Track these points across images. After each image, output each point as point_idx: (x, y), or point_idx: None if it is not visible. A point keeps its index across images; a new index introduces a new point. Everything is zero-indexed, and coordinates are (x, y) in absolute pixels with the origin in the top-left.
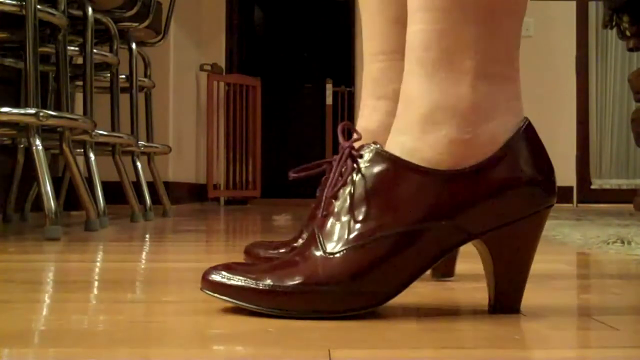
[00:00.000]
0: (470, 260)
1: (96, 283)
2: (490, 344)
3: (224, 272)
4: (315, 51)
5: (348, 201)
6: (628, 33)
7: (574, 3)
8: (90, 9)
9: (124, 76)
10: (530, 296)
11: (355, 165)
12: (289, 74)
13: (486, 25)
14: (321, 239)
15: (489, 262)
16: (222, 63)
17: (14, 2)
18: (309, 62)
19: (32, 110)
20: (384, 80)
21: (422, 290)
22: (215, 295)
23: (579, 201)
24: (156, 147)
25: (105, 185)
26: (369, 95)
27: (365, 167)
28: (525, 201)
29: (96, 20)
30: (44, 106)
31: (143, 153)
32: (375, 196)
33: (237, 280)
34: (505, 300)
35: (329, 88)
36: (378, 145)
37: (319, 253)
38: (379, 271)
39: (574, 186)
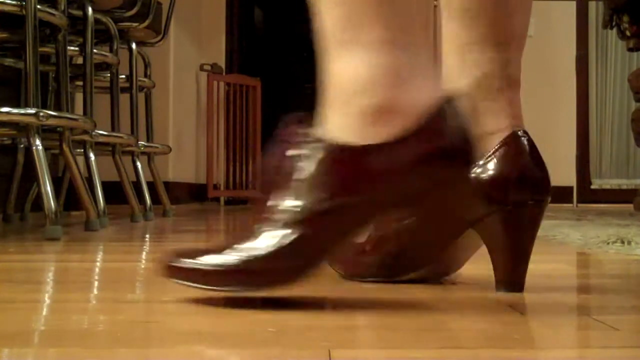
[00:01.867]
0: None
1: (96, 283)
2: (490, 344)
3: (175, 257)
4: (315, 51)
5: (278, 185)
6: (628, 33)
7: (574, 3)
8: (90, 9)
9: (124, 76)
10: (530, 296)
11: (280, 150)
12: (289, 74)
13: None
14: (259, 221)
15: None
16: (222, 63)
17: (14, 2)
18: (309, 62)
19: (32, 110)
20: (453, 76)
21: (422, 290)
22: (173, 279)
23: (579, 201)
24: (156, 147)
25: (105, 185)
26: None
27: (291, 150)
28: (445, 168)
29: (96, 20)
30: (44, 106)
31: (143, 153)
32: (299, 178)
33: (186, 263)
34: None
35: None
36: (302, 129)
37: (257, 234)
38: (298, 248)
39: (574, 186)
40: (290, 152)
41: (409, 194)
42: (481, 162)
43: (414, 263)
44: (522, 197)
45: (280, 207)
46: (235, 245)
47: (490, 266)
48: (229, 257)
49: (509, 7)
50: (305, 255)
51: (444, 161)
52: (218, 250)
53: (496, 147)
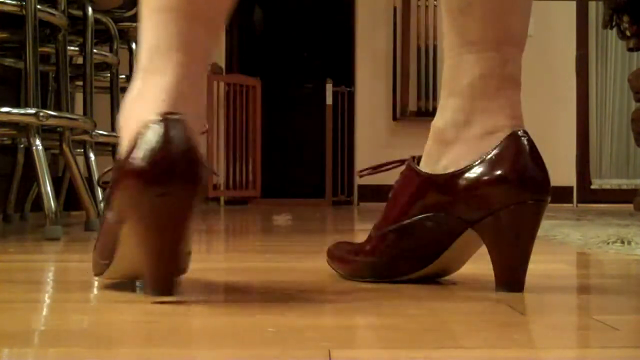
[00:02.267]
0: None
1: (96, 283)
2: (490, 344)
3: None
4: (315, 51)
5: None
6: (628, 33)
7: (574, 3)
8: (90, 9)
9: (124, 76)
10: (530, 296)
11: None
12: (289, 74)
13: (145, 26)
14: None
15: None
16: (222, 63)
17: (14, 2)
18: (309, 62)
19: (32, 110)
20: (453, 77)
21: (422, 290)
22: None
23: (579, 201)
24: None
25: (105, 185)
26: (442, 95)
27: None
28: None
29: (96, 20)
30: (44, 106)
31: None
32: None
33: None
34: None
35: (329, 88)
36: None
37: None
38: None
39: (574, 186)
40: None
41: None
42: (480, 162)
43: (414, 263)
44: (522, 197)
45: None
46: None
47: (490, 266)
48: None
49: (505, 6)
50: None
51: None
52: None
53: (495, 147)
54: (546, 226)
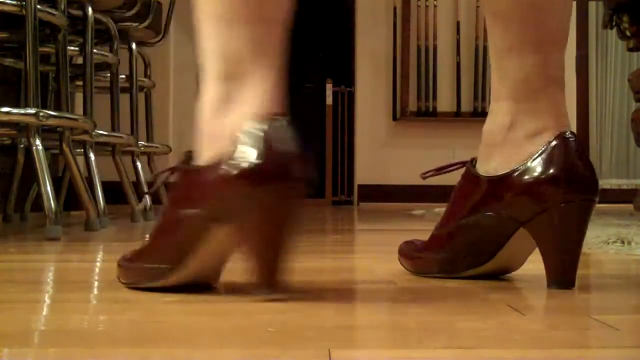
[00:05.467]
0: None
1: (96, 283)
2: (490, 344)
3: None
4: (315, 51)
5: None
6: (628, 33)
7: (574, 3)
8: (90, 9)
9: (124, 76)
10: (530, 296)
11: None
12: (289, 74)
13: (214, 34)
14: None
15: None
16: None
17: (14, 2)
18: (309, 62)
19: (32, 110)
20: (498, 81)
21: (421, 291)
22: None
23: None
24: (156, 147)
25: (105, 185)
26: (492, 98)
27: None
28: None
29: (96, 20)
30: (44, 106)
31: (143, 153)
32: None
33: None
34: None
35: (329, 88)
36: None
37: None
38: (152, 250)
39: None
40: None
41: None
42: (529, 163)
43: (475, 260)
44: (571, 197)
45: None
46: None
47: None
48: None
49: (544, 9)
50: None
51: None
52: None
53: (544, 148)
54: None
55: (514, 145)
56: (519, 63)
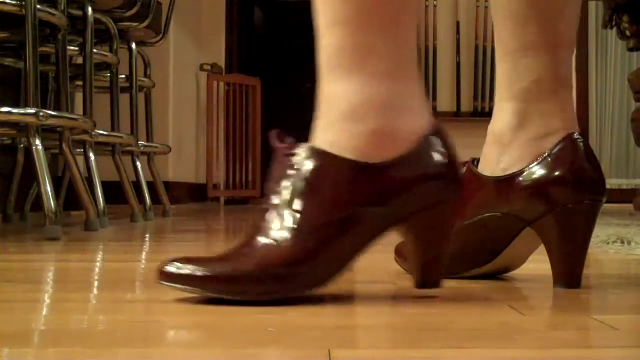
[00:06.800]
0: None
1: (96, 283)
2: (490, 344)
3: (179, 264)
4: (315, 51)
5: (289, 195)
6: (628, 33)
7: None
8: (90, 9)
9: (124, 76)
10: (530, 296)
11: (290, 163)
12: (289, 74)
13: (390, 33)
14: (267, 230)
15: (413, 243)
16: (222, 63)
17: (14, 2)
18: (309, 62)
19: (32, 110)
20: (507, 81)
21: (421, 291)
22: (176, 285)
23: None
24: (156, 147)
25: (105, 185)
26: (497, 98)
27: (301, 164)
28: (435, 191)
29: (96, 20)
30: (44, 106)
31: (143, 153)
32: (312, 188)
33: (197, 271)
34: (427, 276)
35: None
36: (310, 144)
37: (267, 241)
38: (323, 254)
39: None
40: (299, 164)
41: (407, 210)
42: (538, 163)
43: (478, 259)
44: (579, 198)
45: (287, 216)
46: (246, 252)
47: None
48: (243, 265)
49: (558, 10)
50: (331, 262)
51: (432, 183)
52: (227, 258)
53: (552, 149)
54: None
55: (524, 146)
56: (534, 63)
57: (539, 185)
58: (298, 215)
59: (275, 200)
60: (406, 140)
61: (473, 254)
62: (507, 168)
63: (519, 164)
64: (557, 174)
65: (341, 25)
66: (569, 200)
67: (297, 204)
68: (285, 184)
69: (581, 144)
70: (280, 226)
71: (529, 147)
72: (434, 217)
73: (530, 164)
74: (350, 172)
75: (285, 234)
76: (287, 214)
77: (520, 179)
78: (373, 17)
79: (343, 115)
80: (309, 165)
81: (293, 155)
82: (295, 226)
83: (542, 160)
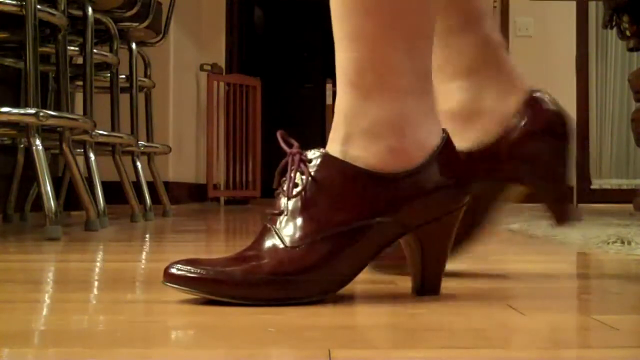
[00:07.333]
0: (467, 261)
1: (96, 283)
2: (489, 344)
3: (189, 267)
4: (315, 51)
5: (303, 201)
6: (628, 33)
7: (574, 3)
8: (90, 9)
9: (124, 76)
10: (531, 296)
11: (305, 168)
12: (289, 74)
13: (409, 48)
14: (280, 234)
15: (417, 252)
16: (222, 63)
17: (14, 2)
18: (309, 62)
19: (32, 110)
20: (443, 62)
21: None
22: (183, 288)
23: (579, 201)
24: (156, 147)
25: (105, 185)
26: (440, 80)
27: (316, 170)
28: (444, 201)
29: (96, 20)
30: (44, 106)
31: (143, 153)
32: (326, 196)
33: (208, 274)
34: (428, 283)
35: (329, 88)
36: (325, 151)
37: (281, 246)
38: (336, 260)
39: (574, 186)
40: (314, 172)
41: (415, 221)
42: (508, 123)
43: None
44: (555, 145)
45: (300, 222)
46: (257, 257)
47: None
48: (256, 269)
49: None
50: (344, 268)
51: (440, 195)
52: (237, 262)
53: (519, 109)
54: (546, 226)
55: (486, 114)
56: (462, 44)
57: (521, 140)
58: (311, 222)
59: (289, 204)
60: (419, 153)
61: (468, 225)
62: (483, 138)
63: (493, 130)
64: (530, 128)
65: (362, 40)
66: (551, 148)
67: (311, 210)
68: (299, 189)
69: (543, 96)
70: (293, 232)
71: (492, 112)
72: (440, 228)
73: (503, 127)
74: (364, 182)
75: (299, 240)
76: (300, 219)
77: (503, 142)
78: (394, 32)
79: (361, 131)
80: (323, 172)
81: (308, 161)
82: (309, 232)
83: (512, 119)
